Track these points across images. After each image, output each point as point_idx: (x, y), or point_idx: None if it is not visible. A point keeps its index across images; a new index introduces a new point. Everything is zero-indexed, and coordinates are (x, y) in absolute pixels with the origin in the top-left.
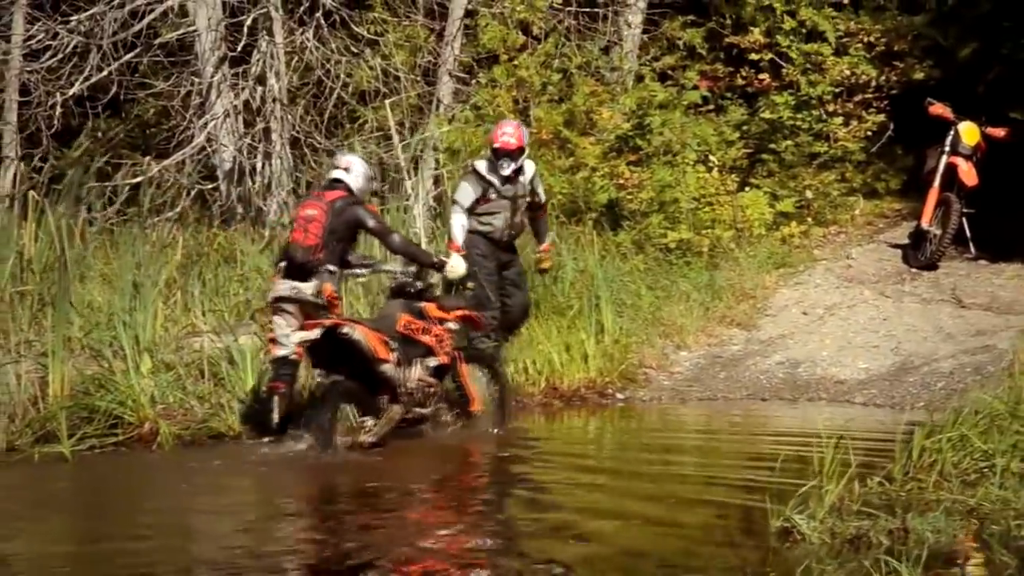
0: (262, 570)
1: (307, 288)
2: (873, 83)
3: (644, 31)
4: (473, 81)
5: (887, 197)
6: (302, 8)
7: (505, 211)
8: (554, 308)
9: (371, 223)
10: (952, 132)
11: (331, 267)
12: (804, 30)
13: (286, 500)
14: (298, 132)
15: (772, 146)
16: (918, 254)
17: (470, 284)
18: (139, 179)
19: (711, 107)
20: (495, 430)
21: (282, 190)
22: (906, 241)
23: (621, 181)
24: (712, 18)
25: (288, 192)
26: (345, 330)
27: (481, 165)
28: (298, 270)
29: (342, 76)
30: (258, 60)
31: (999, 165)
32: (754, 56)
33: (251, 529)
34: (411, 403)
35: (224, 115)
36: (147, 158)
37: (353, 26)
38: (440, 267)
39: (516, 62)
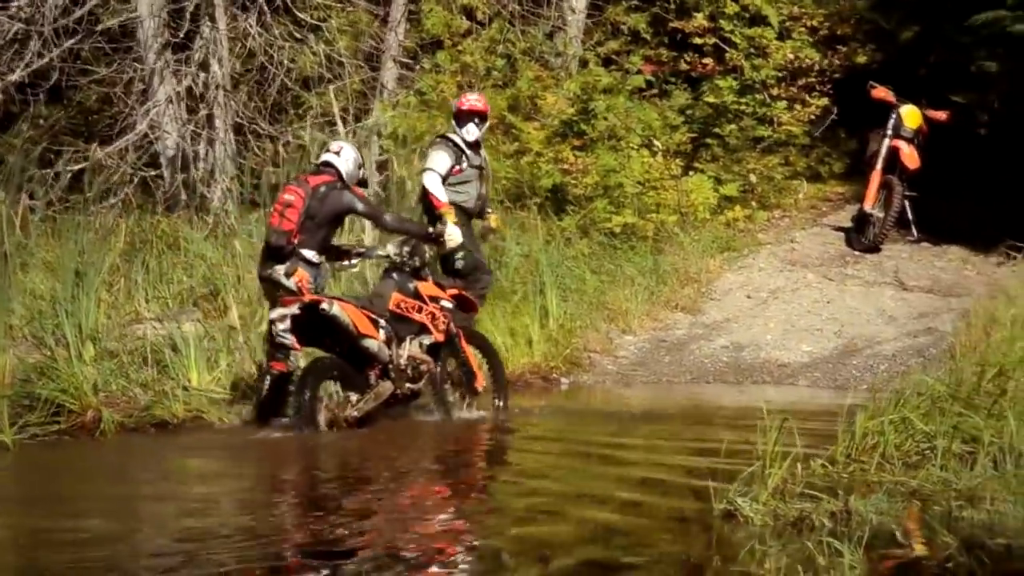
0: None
1: (280, 270)
2: (816, 67)
3: (588, 16)
4: (417, 67)
5: (830, 181)
6: None
7: (475, 180)
8: (498, 293)
9: (360, 207)
10: (894, 115)
11: (309, 254)
12: (747, 15)
13: (234, 485)
14: (241, 118)
15: (716, 130)
16: (861, 237)
17: (460, 254)
18: (82, 166)
19: (655, 92)
20: (498, 402)
21: (226, 176)
22: (849, 224)
23: (566, 166)
24: (656, 3)
25: (232, 178)
26: (324, 306)
27: (451, 135)
28: (277, 253)
29: (285, 62)
30: (201, 46)
31: (941, 148)
32: (698, 41)
33: (195, 514)
34: (402, 380)
35: (167, 101)
36: (91, 145)
37: (296, 12)
38: (437, 238)
39: (460, 47)
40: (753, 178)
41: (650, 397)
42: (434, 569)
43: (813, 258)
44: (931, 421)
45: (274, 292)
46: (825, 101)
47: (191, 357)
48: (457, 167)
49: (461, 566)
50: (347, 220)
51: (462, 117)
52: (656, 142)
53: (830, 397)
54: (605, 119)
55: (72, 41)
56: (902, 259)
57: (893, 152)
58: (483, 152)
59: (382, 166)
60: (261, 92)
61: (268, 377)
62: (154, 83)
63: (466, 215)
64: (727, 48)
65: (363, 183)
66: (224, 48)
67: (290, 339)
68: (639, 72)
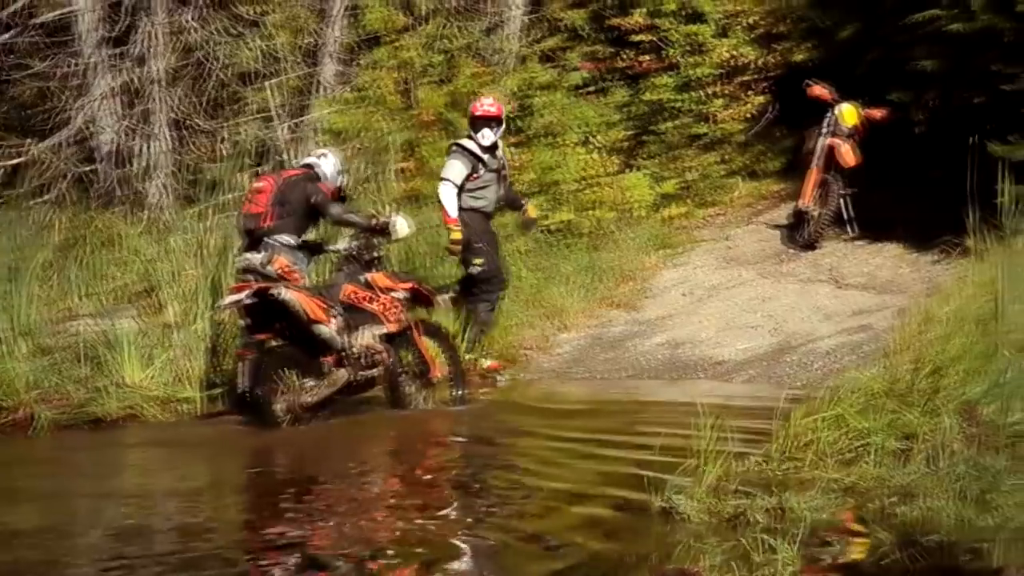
0: (140, 552)
1: (256, 258)
2: (754, 65)
3: (527, 13)
4: (356, 62)
5: (768, 178)
6: None
7: (493, 184)
8: (435, 289)
9: (315, 197)
10: (832, 113)
11: (286, 238)
12: (686, 12)
13: (171, 482)
14: (179, 114)
15: (654, 128)
16: (798, 235)
17: (477, 260)
18: (17, 161)
19: (593, 89)
20: (456, 392)
21: (162, 172)
22: (786, 222)
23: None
24: (595, 0)
25: (168, 175)
26: (274, 291)
27: (467, 143)
28: (251, 241)
29: (223, 57)
30: (138, 41)
31: (878, 146)
32: (636, 38)
33: (131, 510)
34: (357, 368)
35: (103, 97)
36: (26, 140)
37: (235, 7)
38: (383, 229)
39: (399, 43)
40: (691, 175)
41: (588, 393)
42: (370, 566)
43: (750, 256)
44: (866, 418)
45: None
46: (763, 99)
47: (126, 354)
48: (474, 174)
49: (396, 561)
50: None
51: (476, 123)
52: (594, 139)
53: (765, 394)
54: (543, 116)
55: (8, 35)
56: (838, 257)
57: (830, 150)
58: (500, 153)
59: None
60: (199, 87)
61: (241, 366)
62: (91, 78)
63: (486, 219)
64: (665, 45)
65: (341, 191)
66: (161, 43)
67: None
68: (577, 69)
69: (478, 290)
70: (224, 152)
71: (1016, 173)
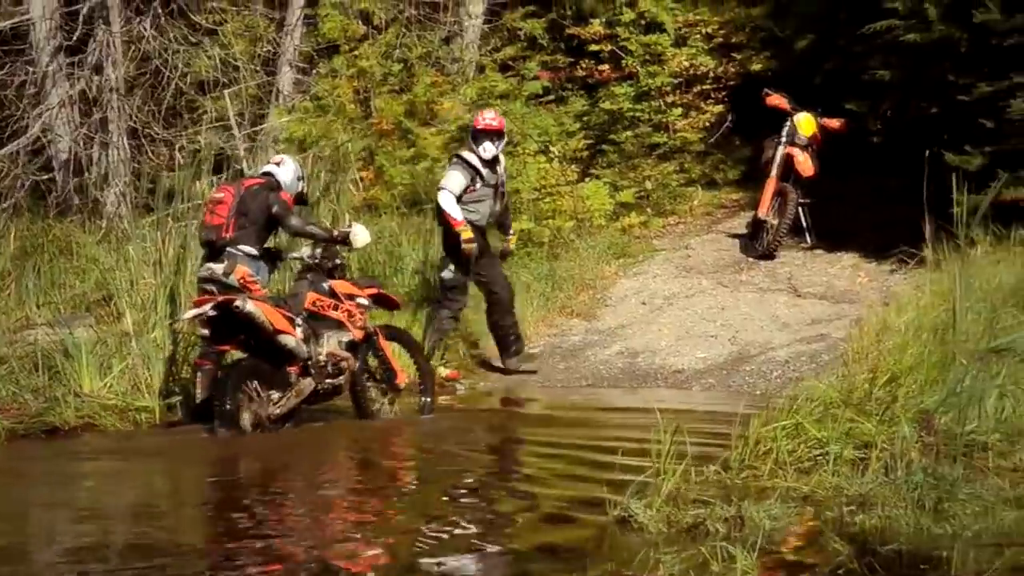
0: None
1: (218, 268)
2: (712, 74)
3: (485, 22)
4: (314, 71)
5: (725, 187)
6: None
7: (489, 199)
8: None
9: (275, 208)
10: (789, 123)
11: (247, 248)
12: (644, 22)
13: (129, 492)
14: (136, 122)
15: (612, 137)
16: (756, 244)
17: (451, 267)
18: None
19: (552, 98)
20: (425, 399)
21: (119, 181)
22: (744, 231)
23: None
24: (553, 9)
25: (126, 183)
26: (237, 303)
27: (467, 155)
28: (212, 251)
29: (181, 66)
30: (95, 49)
31: (835, 156)
32: (594, 47)
33: (86, 520)
34: (322, 376)
35: (60, 105)
36: None
37: (192, 15)
38: (343, 239)
39: (357, 52)
40: (649, 184)
41: (547, 402)
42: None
43: (708, 265)
44: (824, 427)
45: (212, 293)
46: (720, 108)
47: (83, 363)
48: (471, 186)
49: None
50: None
51: (478, 136)
52: (552, 148)
53: (723, 403)
54: None
55: None
56: (796, 266)
57: (788, 159)
58: (501, 169)
59: None
60: (156, 96)
61: (199, 377)
62: (47, 86)
63: (479, 232)
64: (623, 55)
65: (302, 197)
66: (118, 51)
67: (215, 351)
68: (536, 78)
69: (444, 297)
70: (182, 161)
71: (972, 183)
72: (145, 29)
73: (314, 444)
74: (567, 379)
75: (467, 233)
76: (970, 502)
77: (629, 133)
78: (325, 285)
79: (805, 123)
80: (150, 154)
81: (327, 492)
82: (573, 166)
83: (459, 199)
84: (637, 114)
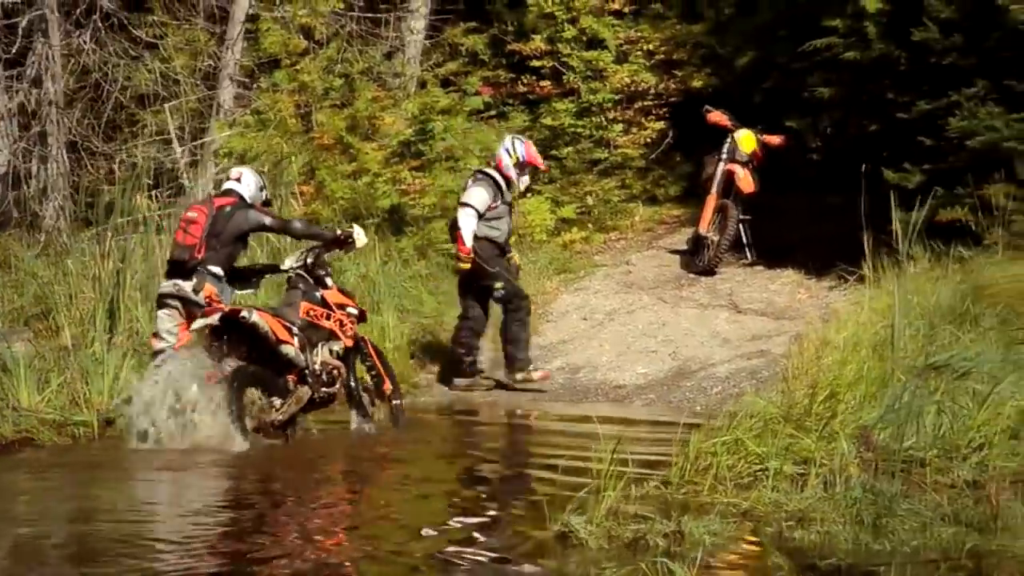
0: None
1: (187, 285)
2: (653, 91)
3: (427, 37)
4: (255, 86)
5: (666, 203)
6: (79, 10)
7: (506, 216)
8: None
9: (268, 221)
10: (730, 140)
11: (215, 269)
12: (585, 38)
13: (66, 505)
14: (75, 136)
15: (554, 152)
16: (696, 260)
17: (498, 285)
18: None
19: (493, 113)
20: (395, 402)
21: (58, 194)
22: (685, 247)
23: (404, 187)
24: (494, 25)
25: (65, 196)
26: (243, 314)
27: (492, 171)
28: (180, 269)
29: (121, 79)
30: (34, 62)
31: (775, 173)
32: (536, 63)
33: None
34: (318, 384)
35: None
36: None
37: (132, 29)
38: (346, 240)
39: (298, 67)
40: (590, 200)
41: (488, 416)
42: None
43: (649, 280)
44: (763, 443)
45: (173, 308)
46: (662, 125)
47: (21, 377)
48: (493, 203)
49: None
50: (252, 241)
51: (524, 167)
52: None
53: (664, 418)
54: (443, 140)
55: None
56: (736, 282)
57: (728, 176)
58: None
59: (218, 185)
60: (95, 109)
61: None
62: None
63: (499, 249)
64: (565, 71)
65: (267, 203)
66: (57, 64)
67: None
68: (477, 93)
69: (506, 311)
70: (121, 175)
71: (910, 200)
72: (85, 42)
73: (258, 455)
74: (508, 394)
75: (465, 264)
76: (908, 518)
77: (570, 149)
78: (317, 295)
79: (745, 140)
80: (89, 168)
81: (264, 504)
82: None
83: (481, 216)
84: (578, 130)
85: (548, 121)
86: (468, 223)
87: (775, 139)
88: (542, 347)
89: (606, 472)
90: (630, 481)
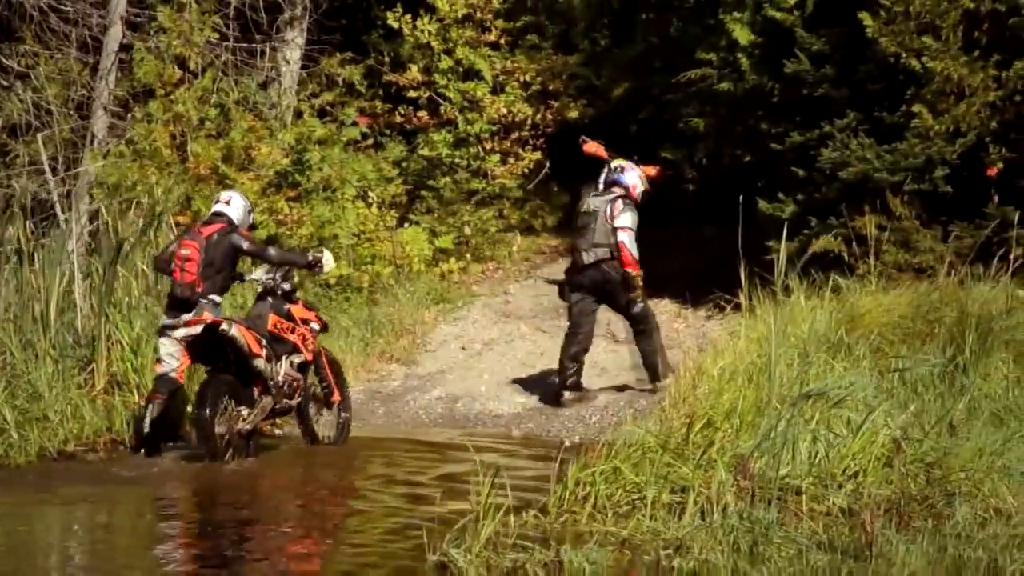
0: None
1: (186, 318)
2: (529, 121)
3: (303, 67)
4: (129, 116)
5: (544, 233)
6: None
7: None
8: None
9: (246, 246)
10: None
11: (214, 298)
12: (461, 68)
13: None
14: None
15: (431, 183)
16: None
17: (639, 301)
18: None
19: (370, 143)
20: (344, 414)
21: None
22: (562, 277)
23: (280, 217)
24: (371, 55)
25: None
26: (224, 327)
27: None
28: (182, 304)
29: None
30: None
31: (652, 203)
32: (412, 94)
33: None
34: (280, 395)
35: None
36: None
37: (3, 59)
38: (315, 265)
39: (173, 97)
40: (468, 230)
41: (364, 445)
42: None
43: (527, 310)
44: (641, 471)
45: (173, 338)
46: (538, 155)
47: None
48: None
49: None
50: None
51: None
52: (371, 194)
53: (543, 447)
54: (320, 170)
55: None
56: (614, 312)
57: None
58: None
59: (93, 215)
60: None
61: (150, 408)
62: None
63: None
64: (441, 101)
65: (253, 227)
66: None
67: (167, 387)
68: (354, 124)
69: (643, 328)
70: None
71: (785, 230)
72: None
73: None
74: (386, 424)
75: (639, 280)
76: (784, 545)
77: (448, 179)
78: (285, 308)
79: None
80: None
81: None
82: (392, 212)
83: None
84: (456, 160)
85: (425, 151)
86: (633, 244)
87: (651, 170)
88: (420, 377)
89: (484, 502)
90: (509, 511)
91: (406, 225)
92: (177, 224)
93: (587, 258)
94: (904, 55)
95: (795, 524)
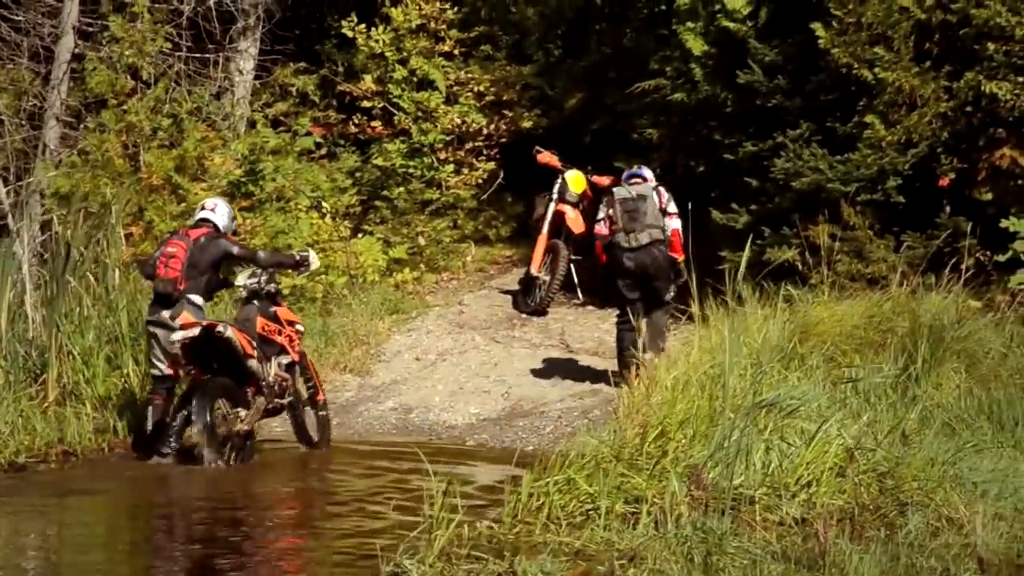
0: None
1: (166, 313)
2: (483, 131)
3: (256, 77)
4: (81, 125)
5: (498, 244)
6: None
7: None
8: None
9: (235, 250)
10: (560, 180)
11: (195, 298)
12: (415, 79)
13: None
14: None
15: (385, 193)
16: (528, 300)
17: (674, 287)
18: None
19: (324, 153)
20: (322, 413)
21: None
22: (516, 287)
23: (234, 227)
24: (325, 65)
25: None
26: (219, 329)
27: None
28: (166, 300)
29: None
30: None
31: None
32: (366, 104)
33: None
34: (271, 395)
35: None
36: None
37: None
38: (302, 263)
39: (125, 107)
40: (422, 241)
41: (318, 456)
42: None
43: (481, 320)
44: (595, 482)
45: (157, 336)
46: (492, 165)
47: None
48: None
49: None
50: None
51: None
52: (325, 204)
53: (497, 458)
54: (273, 180)
55: None
56: (568, 322)
57: (559, 216)
58: None
59: (45, 225)
60: None
61: (150, 410)
62: None
63: None
64: (395, 111)
65: (235, 233)
66: None
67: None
68: (308, 134)
69: (661, 306)
70: None
71: (739, 240)
72: None
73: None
74: (340, 435)
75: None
76: (738, 556)
77: (402, 189)
78: (271, 310)
79: (575, 181)
80: None
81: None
82: (346, 222)
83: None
84: (410, 170)
85: (379, 161)
86: (681, 228)
87: (604, 180)
88: (374, 387)
89: (437, 512)
90: (462, 522)
91: (360, 235)
92: (129, 235)
93: (641, 239)
94: (856, 66)
95: (749, 534)
